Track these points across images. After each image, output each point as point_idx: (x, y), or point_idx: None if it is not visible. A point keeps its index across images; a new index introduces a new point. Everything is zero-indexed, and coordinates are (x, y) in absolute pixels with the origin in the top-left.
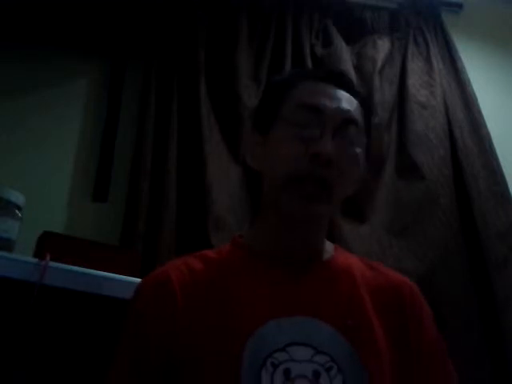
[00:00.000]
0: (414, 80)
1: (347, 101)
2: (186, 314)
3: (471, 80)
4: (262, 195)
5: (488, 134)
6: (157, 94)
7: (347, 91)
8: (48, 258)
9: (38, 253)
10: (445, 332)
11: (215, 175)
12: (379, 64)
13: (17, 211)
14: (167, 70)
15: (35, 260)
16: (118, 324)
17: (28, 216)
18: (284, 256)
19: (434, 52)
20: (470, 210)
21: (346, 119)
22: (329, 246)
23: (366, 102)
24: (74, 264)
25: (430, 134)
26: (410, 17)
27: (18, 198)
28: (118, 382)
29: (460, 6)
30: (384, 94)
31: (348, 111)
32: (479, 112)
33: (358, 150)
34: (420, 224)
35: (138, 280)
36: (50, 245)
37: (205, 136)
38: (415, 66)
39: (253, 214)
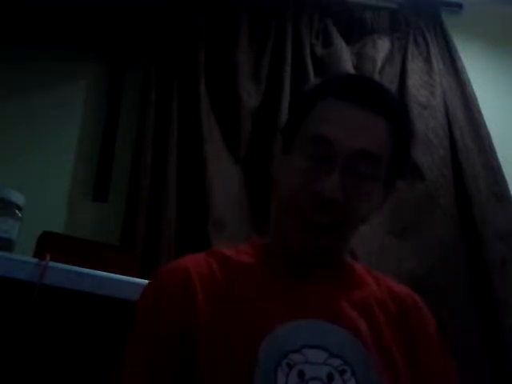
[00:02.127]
0: (414, 80)
1: (366, 128)
2: (203, 308)
3: (471, 80)
4: (277, 202)
5: (488, 134)
6: (157, 94)
7: (374, 110)
8: (48, 257)
9: (38, 253)
10: (444, 332)
11: (215, 175)
12: (379, 64)
13: (17, 211)
14: (167, 70)
15: (35, 260)
16: (118, 324)
17: (28, 216)
18: (301, 261)
19: (434, 52)
20: (469, 210)
21: (359, 152)
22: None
23: (402, 119)
24: (73, 264)
25: (429, 134)
26: (410, 17)
27: (18, 198)
28: (134, 369)
29: (460, 5)
30: None
31: (364, 143)
32: (479, 112)
33: (372, 186)
34: (420, 224)
35: (138, 280)
36: (50, 245)
37: (205, 136)
38: (415, 66)
39: (263, 212)
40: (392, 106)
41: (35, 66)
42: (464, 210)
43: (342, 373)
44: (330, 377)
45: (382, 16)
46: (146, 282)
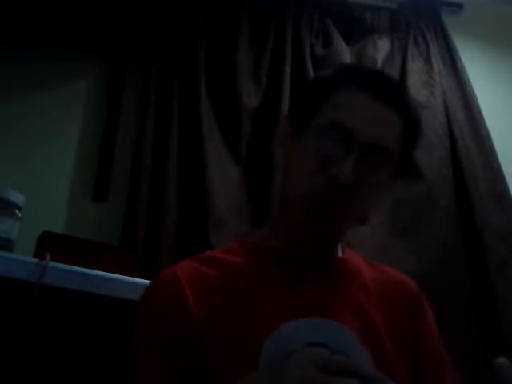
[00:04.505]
0: (414, 80)
1: (382, 121)
2: (199, 320)
3: (471, 80)
4: (280, 194)
5: (488, 134)
6: (157, 94)
7: (389, 105)
8: (48, 257)
9: (38, 253)
10: (444, 332)
11: (215, 175)
12: (379, 64)
13: (17, 211)
14: (167, 70)
15: (35, 260)
16: (118, 324)
17: (28, 216)
18: (297, 258)
19: (434, 52)
20: (470, 210)
21: (374, 144)
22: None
23: (415, 120)
24: (74, 264)
25: (429, 133)
26: (410, 17)
27: (18, 198)
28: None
29: (460, 5)
30: None
31: (381, 137)
32: (479, 112)
33: (382, 179)
34: (420, 224)
35: (138, 280)
36: (49, 245)
37: (205, 136)
38: (415, 66)
39: (263, 212)
40: (406, 104)
41: (35, 66)
42: (464, 210)
43: None
44: None
45: (382, 16)
46: (146, 282)
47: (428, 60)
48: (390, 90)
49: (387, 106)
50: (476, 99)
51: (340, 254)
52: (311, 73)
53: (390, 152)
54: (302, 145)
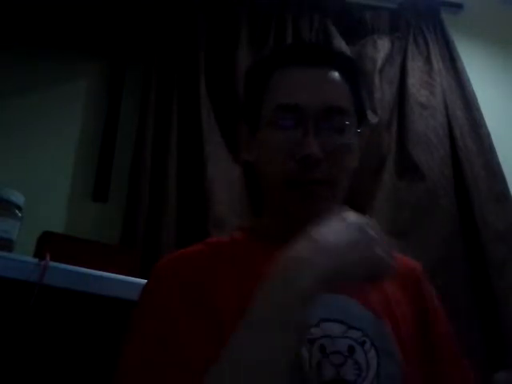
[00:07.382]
0: (414, 80)
1: (327, 82)
2: (210, 298)
3: (471, 80)
4: (262, 188)
5: (488, 133)
6: (157, 94)
7: (325, 65)
8: (48, 257)
9: (38, 253)
10: None
11: (215, 175)
12: (379, 64)
13: (17, 211)
14: (167, 70)
15: (35, 260)
16: (118, 324)
17: (28, 216)
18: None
19: (434, 52)
20: (470, 210)
21: (327, 109)
22: None
23: (350, 66)
24: (74, 264)
25: (429, 133)
26: (410, 17)
27: (18, 198)
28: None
29: (460, 6)
30: (384, 93)
31: (329, 99)
32: (479, 112)
33: (349, 137)
34: (420, 224)
35: (138, 280)
36: (50, 245)
37: (205, 136)
38: (415, 66)
39: (257, 200)
40: (336, 55)
41: (35, 65)
42: (464, 210)
43: (362, 344)
44: (351, 349)
45: (381, 16)
46: (146, 282)
47: (428, 60)
48: (315, 52)
49: (320, 68)
50: (476, 99)
51: None
52: None
53: (344, 109)
54: (262, 140)
